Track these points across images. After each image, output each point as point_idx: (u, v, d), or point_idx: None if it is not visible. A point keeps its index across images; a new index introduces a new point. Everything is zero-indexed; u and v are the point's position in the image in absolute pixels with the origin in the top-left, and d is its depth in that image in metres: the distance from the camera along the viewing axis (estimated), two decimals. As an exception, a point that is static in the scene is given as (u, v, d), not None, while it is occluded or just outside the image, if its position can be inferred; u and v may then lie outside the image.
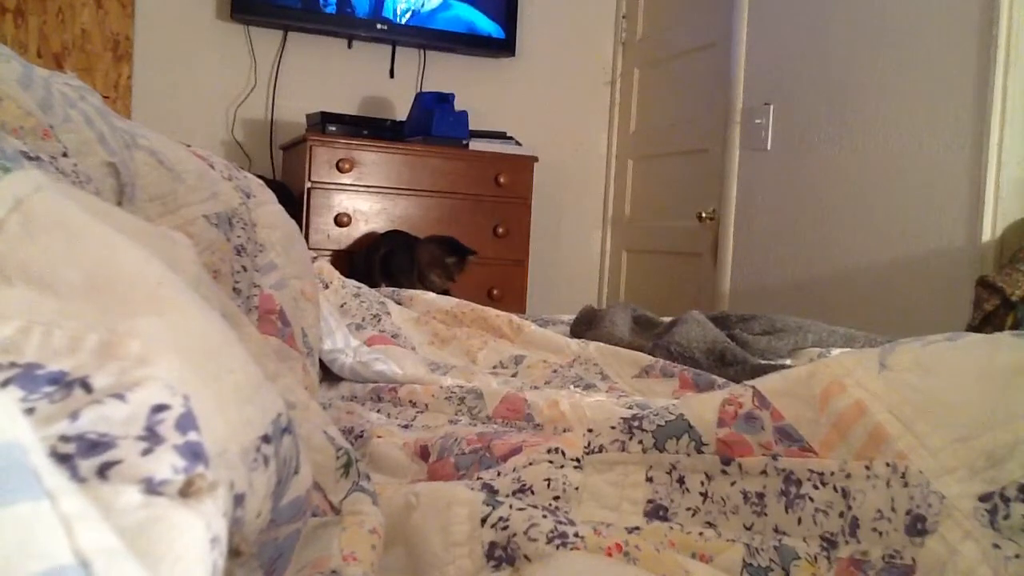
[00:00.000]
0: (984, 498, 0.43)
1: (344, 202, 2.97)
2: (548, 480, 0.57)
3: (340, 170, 2.95)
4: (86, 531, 0.25)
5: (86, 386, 0.30)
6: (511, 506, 0.52)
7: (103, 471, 0.29)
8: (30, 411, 0.29)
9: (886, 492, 0.47)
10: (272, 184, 1.21)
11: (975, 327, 1.89)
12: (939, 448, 0.46)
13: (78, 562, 0.24)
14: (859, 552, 0.46)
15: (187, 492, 0.30)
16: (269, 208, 0.92)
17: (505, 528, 0.50)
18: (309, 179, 2.93)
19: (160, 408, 0.31)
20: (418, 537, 0.52)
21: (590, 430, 0.60)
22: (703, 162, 3.23)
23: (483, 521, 0.51)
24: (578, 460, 0.58)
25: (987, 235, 2.16)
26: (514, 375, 1.35)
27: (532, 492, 0.57)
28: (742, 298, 2.98)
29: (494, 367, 1.40)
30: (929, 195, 2.32)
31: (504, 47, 3.55)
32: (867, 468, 0.48)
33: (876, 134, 2.49)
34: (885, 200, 2.45)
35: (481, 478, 0.61)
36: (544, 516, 0.51)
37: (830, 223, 2.63)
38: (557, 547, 0.48)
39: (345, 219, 2.95)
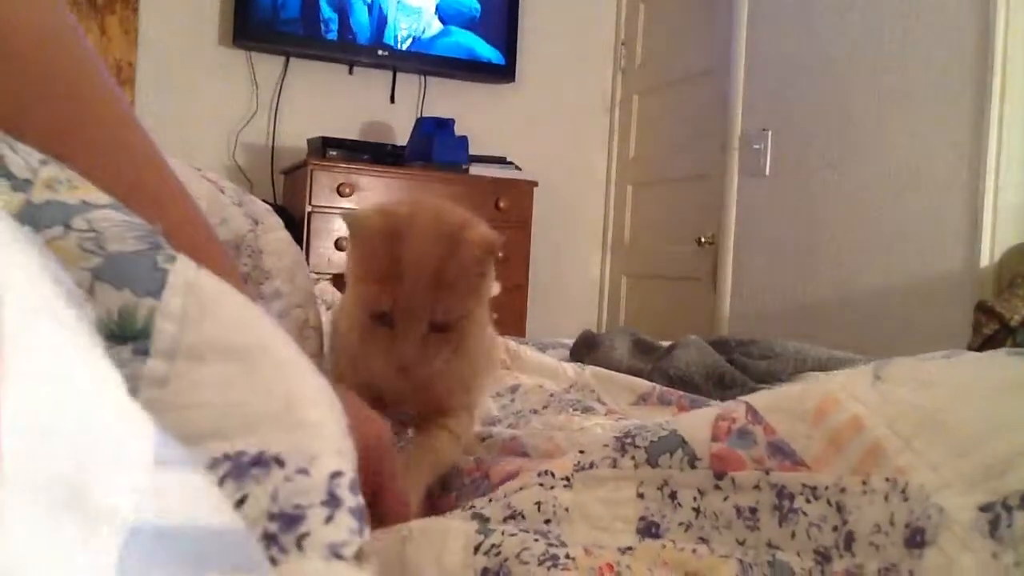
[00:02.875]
0: (985, 508, 0.43)
1: (344, 226, 2.98)
2: (538, 503, 0.57)
3: (341, 194, 2.96)
4: None
5: (280, 462, 0.34)
6: (503, 532, 0.52)
7: (300, 543, 0.32)
8: (242, 500, 0.33)
9: (884, 506, 0.46)
10: (273, 208, 1.21)
11: (975, 352, 1.89)
12: (939, 463, 0.46)
13: None
14: (854, 566, 0.46)
15: (361, 557, 0.33)
16: (276, 235, 0.92)
17: (498, 554, 0.50)
18: (310, 203, 2.94)
19: (336, 475, 0.34)
20: (412, 569, 0.52)
21: (582, 451, 0.60)
22: (702, 188, 3.25)
23: (476, 549, 0.51)
24: (567, 479, 0.58)
25: (985, 260, 2.17)
26: (512, 401, 1.35)
27: (523, 517, 0.57)
28: (741, 323, 2.98)
29: (492, 395, 1.40)
30: (927, 220, 2.32)
31: (504, 73, 3.58)
32: (863, 483, 0.48)
33: (874, 160, 2.50)
34: (883, 225, 2.45)
35: (473, 506, 0.61)
36: (536, 540, 0.51)
37: (829, 248, 2.64)
38: (548, 569, 0.48)
39: (345, 243, 2.96)
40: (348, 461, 0.35)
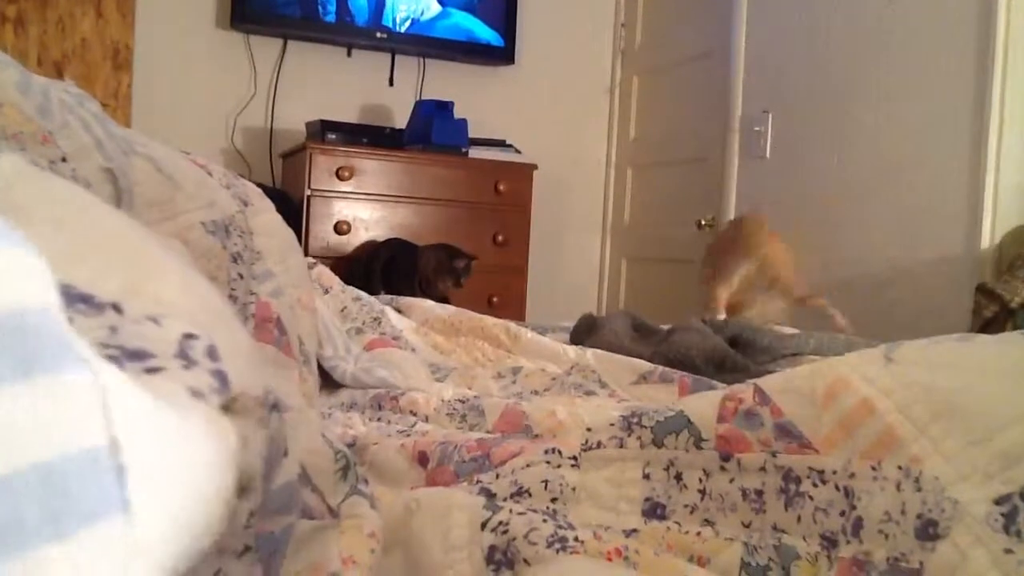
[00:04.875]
0: (1000, 501, 0.42)
1: (344, 210, 2.97)
2: (545, 482, 0.57)
3: (340, 178, 2.95)
4: (125, 412, 0.23)
5: (118, 308, 0.30)
6: (511, 510, 0.52)
7: (149, 373, 0.28)
8: (68, 320, 0.27)
9: (896, 495, 0.46)
10: (272, 192, 1.21)
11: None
12: (954, 453, 0.45)
13: (109, 443, 0.22)
14: (861, 552, 0.46)
15: (228, 408, 0.30)
16: (267, 216, 0.92)
17: (505, 532, 0.50)
18: (309, 187, 2.93)
19: (190, 336, 0.31)
20: (417, 542, 0.51)
21: (589, 429, 0.60)
22: (702, 170, 3.24)
23: (483, 525, 0.51)
24: (575, 458, 0.58)
25: (986, 242, 2.16)
26: (513, 383, 1.35)
27: (529, 495, 0.57)
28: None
29: (494, 376, 1.40)
30: (928, 202, 2.32)
31: (503, 55, 3.56)
32: (874, 469, 0.47)
33: (874, 142, 2.49)
34: (884, 208, 2.45)
35: (480, 481, 0.61)
36: (544, 520, 0.51)
37: (829, 231, 2.64)
38: (557, 551, 0.48)
39: (345, 227, 2.95)
40: (206, 332, 0.32)
